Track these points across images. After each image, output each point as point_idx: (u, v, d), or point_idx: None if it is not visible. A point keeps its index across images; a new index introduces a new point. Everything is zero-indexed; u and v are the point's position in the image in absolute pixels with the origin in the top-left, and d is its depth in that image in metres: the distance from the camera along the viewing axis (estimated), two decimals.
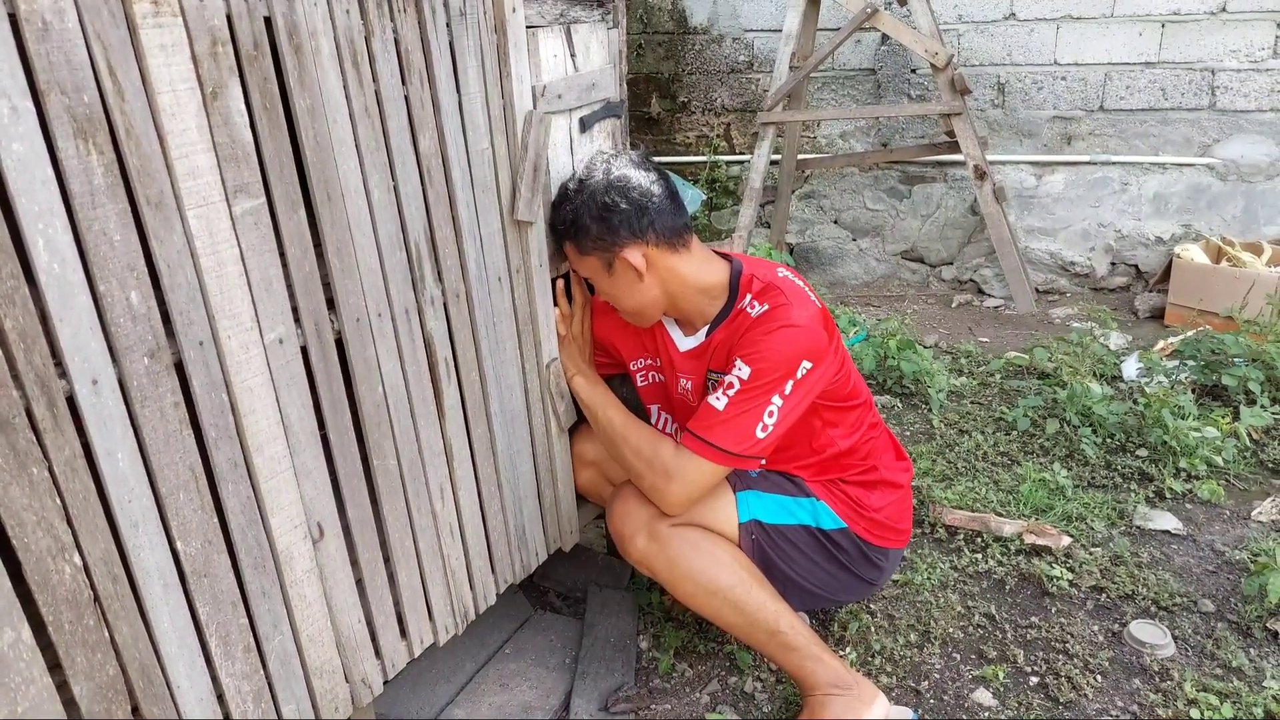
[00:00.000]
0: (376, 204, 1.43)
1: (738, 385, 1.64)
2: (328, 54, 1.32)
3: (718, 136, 5.14)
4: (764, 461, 1.72)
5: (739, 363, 1.65)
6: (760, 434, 1.62)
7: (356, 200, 1.40)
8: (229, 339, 1.24)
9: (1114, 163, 4.40)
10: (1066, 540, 2.41)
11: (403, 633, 1.62)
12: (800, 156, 4.77)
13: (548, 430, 1.90)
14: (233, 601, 1.29)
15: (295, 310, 1.34)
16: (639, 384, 2.03)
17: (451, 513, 1.68)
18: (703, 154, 5.16)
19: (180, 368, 1.19)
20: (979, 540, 2.43)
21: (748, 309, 1.71)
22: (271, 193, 1.28)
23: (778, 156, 4.76)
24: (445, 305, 1.60)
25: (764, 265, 1.80)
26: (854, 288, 4.86)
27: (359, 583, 1.52)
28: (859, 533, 1.83)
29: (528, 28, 1.66)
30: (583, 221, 1.71)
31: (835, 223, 4.95)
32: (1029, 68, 4.43)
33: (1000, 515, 2.52)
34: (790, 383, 1.62)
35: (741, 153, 5.08)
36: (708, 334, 1.80)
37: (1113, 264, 4.53)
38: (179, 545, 1.21)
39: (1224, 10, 4.06)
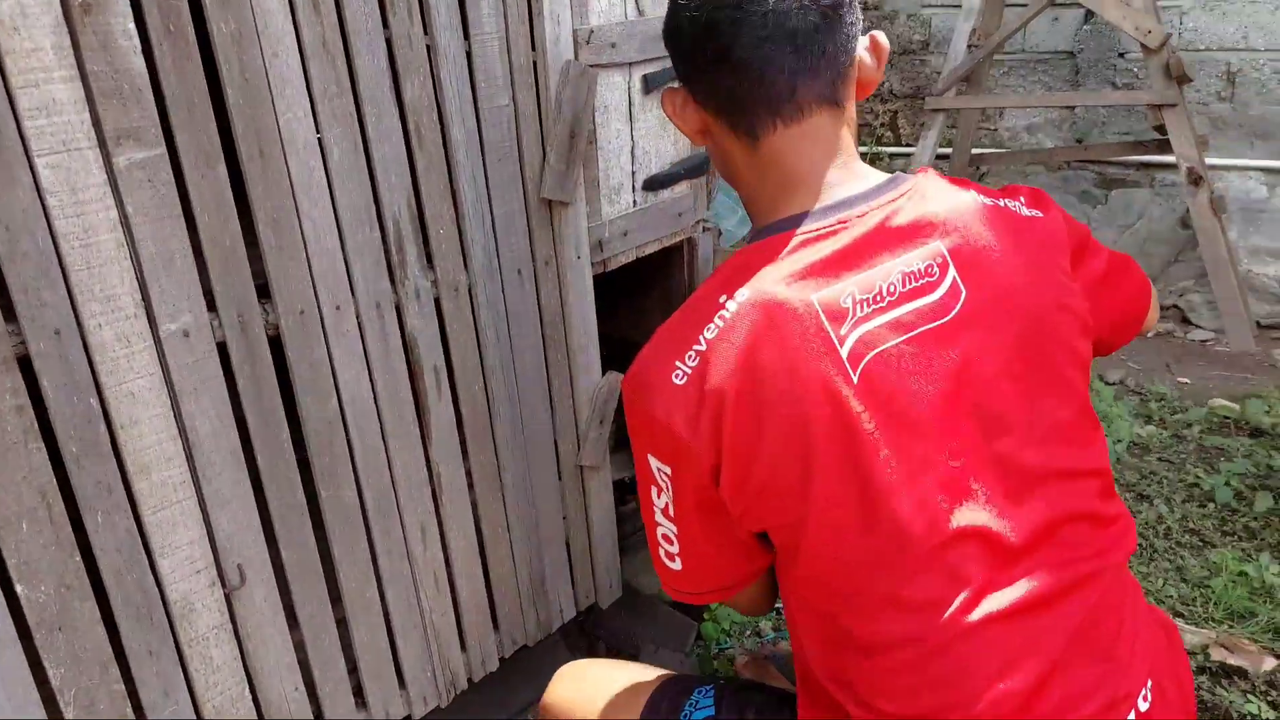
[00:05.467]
0: (335, 166, 1.12)
1: None
2: None
3: (882, 125, 4.60)
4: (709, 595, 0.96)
5: None
6: (667, 562, 0.93)
7: (305, 158, 1.09)
8: (99, 328, 0.95)
9: None
10: (1271, 662, 1.82)
11: (361, 703, 1.31)
12: (975, 150, 4.16)
13: (580, 462, 1.54)
14: (102, 662, 1.01)
15: (210, 295, 1.05)
16: None
17: (437, 557, 1.36)
18: (864, 144, 4.63)
19: (26, 362, 0.92)
20: None
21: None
22: (176, 142, 0.98)
23: (947, 150, 4.17)
24: (438, 300, 1.27)
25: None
26: None
27: (300, 644, 1.21)
28: None
29: None
30: None
31: None
32: (1269, 54, 3.64)
33: (1180, 617, 1.94)
34: (654, 489, 0.89)
35: (908, 144, 4.52)
36: None
37: None
38: (20, 589, 0.94)
39: None
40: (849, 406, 0.77)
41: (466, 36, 1.22)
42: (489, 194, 1.30)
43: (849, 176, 0.86)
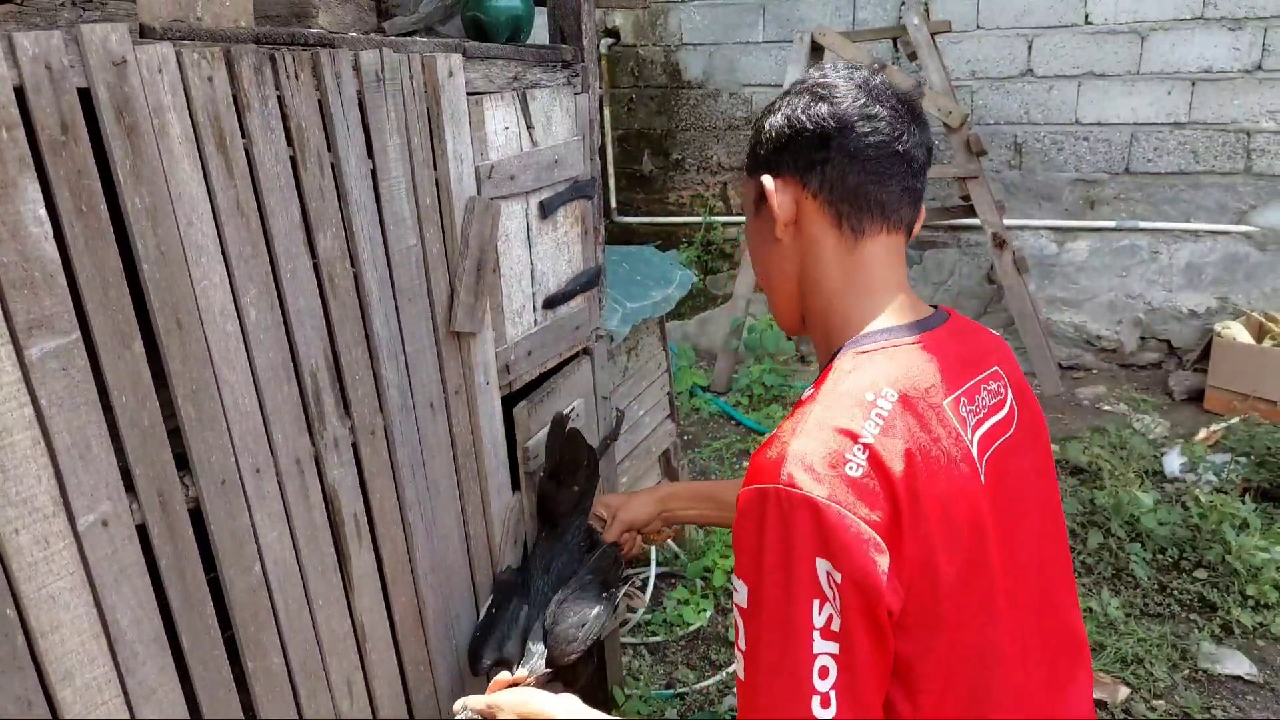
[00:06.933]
0: (253, 327, 1.09)
1: (740, 621, 0.84)
2: (179, 136, 0.98)
3: (713, 196, 4.84)
4: None
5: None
6: (820, 711, 0.77)
7: (222, 325, 1.05)
8: (15, 534, 0.88)
9: (1142, 229, 4.08)
10: (1124, 691, 2.03)
11: None
12: None
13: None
14: None
15: (129, 476, 0.99)
16: None
17: (364, 709, 1.31)
18: (697, 214, 4.85)
19: None
20: None
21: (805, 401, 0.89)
22: (90, 325, 0.93)
23: None
24: (355, 446, 1.25)
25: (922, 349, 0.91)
26: None
27: None
28: None
29: (470, 94, 1.33)
30: None
31: None
32: (1048, 127, 4.13)
33: None
34: (816, 604, 0.78)
35: (738, 213, 4.77)
36: None
37: (1142, 338, 4.18)
38: None
39: (1259, 68, 3.76)
40: (982, 507, 0.86)
41: (375, 183, 1.22)
42: (401, 333, 1.29)
43: (913, 300, 0.96)
